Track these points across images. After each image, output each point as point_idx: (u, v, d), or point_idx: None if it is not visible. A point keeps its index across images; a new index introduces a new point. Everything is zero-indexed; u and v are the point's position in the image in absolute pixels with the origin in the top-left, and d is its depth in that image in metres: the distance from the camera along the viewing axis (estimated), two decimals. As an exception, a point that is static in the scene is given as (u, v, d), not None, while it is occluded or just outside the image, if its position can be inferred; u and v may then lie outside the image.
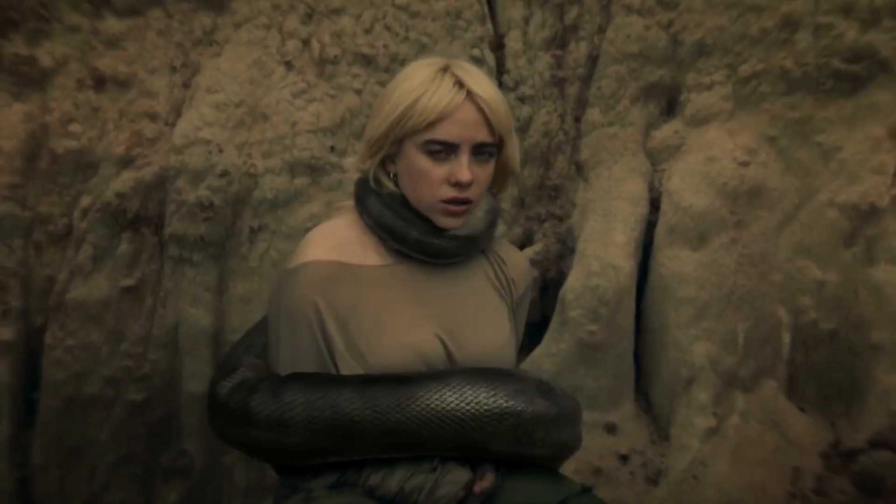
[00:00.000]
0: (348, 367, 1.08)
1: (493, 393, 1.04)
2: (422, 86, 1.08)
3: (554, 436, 1.10)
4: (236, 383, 1.11)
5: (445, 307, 1.17)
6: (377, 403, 1.01)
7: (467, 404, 1.03)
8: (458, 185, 1.09)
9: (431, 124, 1.06)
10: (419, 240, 1.14)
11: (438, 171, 1.09)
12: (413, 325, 1.13)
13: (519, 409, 1.05)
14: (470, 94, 1.08)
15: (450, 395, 1.03)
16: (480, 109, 1.08)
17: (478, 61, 2.44)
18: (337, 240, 1.15)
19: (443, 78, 1.08)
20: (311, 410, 1.01)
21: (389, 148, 1.13)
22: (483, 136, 1.09)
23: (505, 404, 1.04)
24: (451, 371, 1.10)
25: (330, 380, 1.06)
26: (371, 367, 1.09)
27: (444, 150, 1.08)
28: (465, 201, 1.11)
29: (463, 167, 1.08)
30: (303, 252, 1.13)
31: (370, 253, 1.16)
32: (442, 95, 1.06)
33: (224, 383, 1.13)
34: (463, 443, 1.04)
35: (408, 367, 1.10)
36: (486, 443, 1.05)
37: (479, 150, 1.10)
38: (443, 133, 1.07)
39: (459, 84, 1.08)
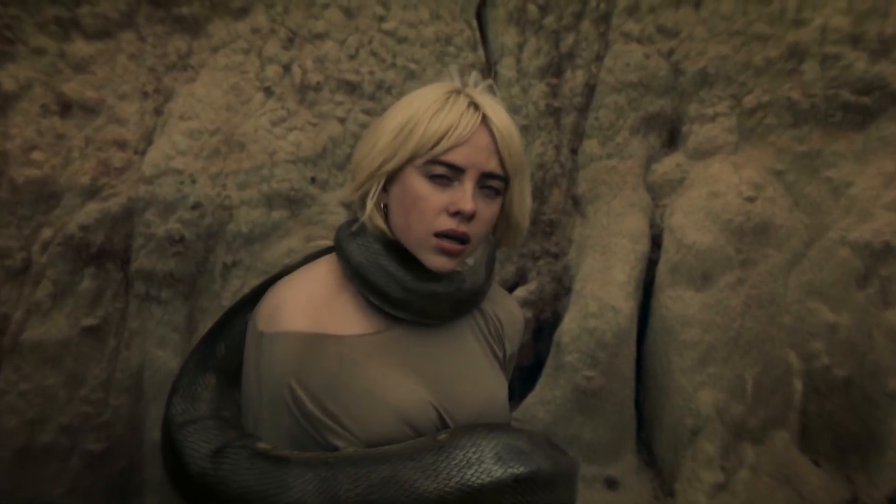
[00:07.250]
0: (344, 441, 0.96)
1: (355, 485, 0.89)
2: (434, 104, 0.97)
3: None
4: (193, 435, 1.01)
5: (437, 371, 1.05)
6: (247, 488, 0.90)
7: (345, 492, 0.88)
8: (458, 214, 0.96)
9: (439, 144, 0.95)
10: (409, 303, 1.02)
11: (438, 198, 0.96)
12: (405, 395, 1.01)
13: (419, 490, 0.88)
14: (485, 119, 0.97)
15: (313, 485, 0.89)
16: (493, 136, 0.98)
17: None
18: (316, 302, 1.02)
19: (456, 99, 0.98)
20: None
21: (387, 175, 1.01)
22: (492, 165, 0.98)
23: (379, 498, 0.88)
24: (339, 455, 0.95)
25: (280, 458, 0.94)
26: (362, 443, 0.97)
27: (447, 175, 0.96)
28: (464, 238, 0.97)
29: (466, 195, 0.96)
30: (279, 316, 0.99)
31: (353, 316, 1.03)
32: (456, 115, 0.96)
33: (187, 440, 1.01)
34: None
35: (401, 439, 0.98)
36: None
37: (485, 182, 0.98)
38: (450, 154, 0.95)
39: (474, 106, 0.98)
